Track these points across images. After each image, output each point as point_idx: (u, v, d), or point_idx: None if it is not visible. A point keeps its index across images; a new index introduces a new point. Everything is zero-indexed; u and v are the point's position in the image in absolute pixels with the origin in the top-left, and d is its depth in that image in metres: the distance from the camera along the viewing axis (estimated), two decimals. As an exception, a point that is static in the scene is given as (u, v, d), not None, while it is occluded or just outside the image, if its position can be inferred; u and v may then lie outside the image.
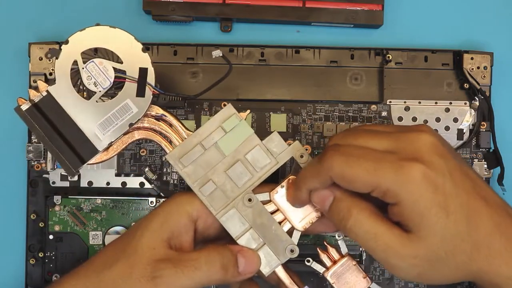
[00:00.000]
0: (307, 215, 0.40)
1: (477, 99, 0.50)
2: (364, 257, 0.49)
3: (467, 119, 0.50)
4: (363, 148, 0.37)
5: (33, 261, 0.49)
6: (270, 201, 0.41)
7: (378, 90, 0.51)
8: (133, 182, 0.49)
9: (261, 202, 0.40)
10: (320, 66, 0.51)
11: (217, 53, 0.42)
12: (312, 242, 0.50)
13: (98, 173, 0.49)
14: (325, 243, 0.42)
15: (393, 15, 0.52)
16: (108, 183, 0.49)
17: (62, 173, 0.49)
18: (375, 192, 0.36)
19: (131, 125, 0.39)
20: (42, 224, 0.49)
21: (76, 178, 0.49)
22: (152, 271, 0.37)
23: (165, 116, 0.41)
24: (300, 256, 0.48)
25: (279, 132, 0.50)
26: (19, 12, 0.52)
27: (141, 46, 0.40)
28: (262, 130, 0.50)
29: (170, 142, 0.41)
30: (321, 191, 0.38)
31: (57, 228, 0.49)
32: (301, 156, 0.40)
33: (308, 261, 0.42)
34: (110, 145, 0.40)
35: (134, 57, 0.39)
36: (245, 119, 0.40)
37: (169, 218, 0.39)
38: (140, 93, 0.39)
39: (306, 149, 0.40)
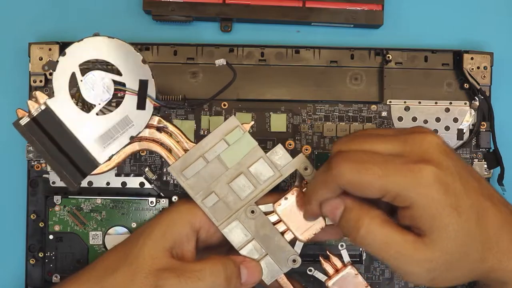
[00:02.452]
0: (310, 226, 0.40)
1: (477, 99, 0.50)
2: (364, 257, 0.49)
3: (467, 119, 0.50)
4: (370, 152, 0.36)
5: (33, 261, 0.49)
6: (273, 211, 0.40)
7: (378, 90, 0.51)
8: (133, 182, 0.49)
9: (264, 213, 0.40)
10: (320, 66, 0.51)
11: (221, 61, 0.42)
12: (312, 242, 0.50)
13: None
14: (327, 252, 0.42)
15: (393, 15, 0.52)
16: (108, 183, 0.49)
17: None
18: (386, 197, 0.36)
19: (131, 138, 0.38)
20: (42, 224, 0.49)
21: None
22: (155, 280, 0.37)
23: (166, 127, 0.40)
24: (300, 256, 0.49)
25: (279, 132, 0.50)
26: (19, 12, 0.52)
27: (141, 57, 0.39)
28: (262, 130, 0.50)
29: (171, 152, 0.40)
30: (331, 202, 0.38)
31: (57, 228, 0.49)
32: (306, 169, 0.40)
33: (310, 270, 0.42)
34: (111, 157, 0.40)
35: (134, 68, 0.38)
36: (248, 131, 0.40)
37: (171, 228, 0.38)
38: (141, 106, 0.38)
39: (308, 154, 0.40)
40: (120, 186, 0.49)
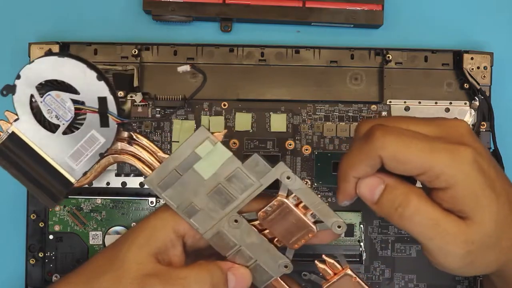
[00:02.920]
0: (300, 234, 0.38)
1: (477, 99, 0.50)
2: (364, 257, 0.49)
3: (467, 119, 0.50)
4: (413, 130, 0.36)
5: (33, 261, 0.49)
6: (257, 219, 0.39)
7: (378, 90, 0.51)
8: (133, 182, 0.49)
9: (249, 221, 0.39)
10: (320, 66, 0.51)
11: (184, 68, 0.41)
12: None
13: (98, 173, 0.49)
14: (323, 256, 0.40)
15: (393, 15, 0.52)
16: (108, 183, 0.49)
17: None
18: (425, 176, 0.35)
19: (101, 155, 0.38)
20: (42, 224, 0.49)
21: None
22: (140, 286, 0.36)
23: (136, 140, 0.39)
24: (300, 256, 0.49)
25: (279, 132, 0.50)
26: (19, 12, 0.52)
27: (95, 74, 0.37)
28: (262, 130, 0.50)
29: (146, 163, 0.39)
30: (369, 180, 0.37)
31: (57, 228, 0.49)
32: (288, 178, 0.37)
33: (305, 275, 0.41)
34: (85, 173, 0.39)
35: (90, 86, 0.37)
36: (220, 141, 0.37)
37: (154, 234, 0.38)
38: (104, 123, 0.37)
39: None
40: (120, 186, 0.49)
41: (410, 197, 0.36)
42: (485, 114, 0.50)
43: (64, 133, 0.38)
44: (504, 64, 0.52)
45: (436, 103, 0.50)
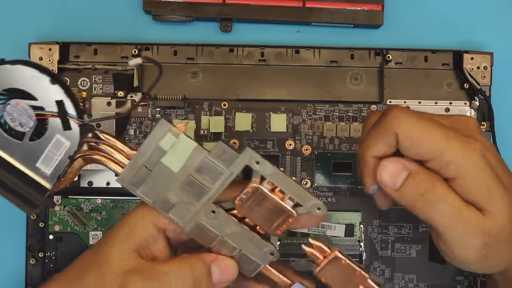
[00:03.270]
0: (280, 220, 0.37)
1: (477, 99, 0.50)
2: (364, 257, 0.49)
3: (467, 119, 0.50)
4: (430, 115, 0.36)
5: (33, 261, 0.49)
6: (235, 208, 0.38)
7: (378, 90, 0.51)
8: (133, 182, 0.49)
9: (227, 210, 0.38)
10: (320, 66, 0.51)
11: (135, 61, 0.40)
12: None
13: (98, 173, 0.49)
14: (310, 240, 0.39)
15: (393, 15, 0.52)
16: (108, 183, 0.49)
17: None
18: (434, 162, 0.35)
19: (70, 158, 0.37)
20: (42, 224, 0.49)
21: (76, 178, 0.49)
22: (122, 282, 0.36)
23: (103, 139, 0.39)
24: (300, 256, 0.49)
25: (279, 132, 0.50)
26: (19, 12, 0.52)
27: (48, 78, 0.36)
28: (262, 130, 0.50)
29: (116, 162, 0.39)
30: (392, 165, 0.36)
31: (57, 228, 0.49)
32: (257, 163, 0.36)
33: (293, 261, 0.40)
34: (59, 178, 0.38)
35: (46, 90, 0.36)
36: (184, 132, 0.36)
37: (135, 229, 0.38)
38: (66, 126, 0.37)
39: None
40: (120, 186, 0.49)
41: (436, 184, 0.35)
42: (485, 114, 0.50)
43: (31, 139, 0.37)
44: (504, 64, 0.52)
45: (436, 103, 0.50)
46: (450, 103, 0.50)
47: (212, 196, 0.37)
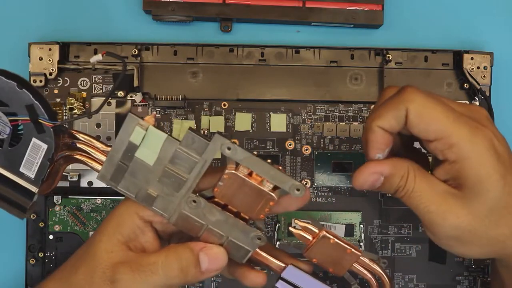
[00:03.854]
0: (261, 204, 0.36)
1: (477, 99, 0.50)
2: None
3: (467, 119, 0.50)
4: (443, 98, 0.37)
5: (33, 261, 0.49)
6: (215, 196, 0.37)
7: (378, 90, 0.51)
8: (133, 182, 0.49)
9: (208, 199, 0.37)
10: (320, 66, 0.51)
11: (96, 58, 0.40)
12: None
13: (98, 173, 0.49)
14: (295, 221, 0.38)
15: (393, 15, 0.52)
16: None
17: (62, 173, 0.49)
18: (440, 143, 0.36)
19: (50, 160, 0.37)
20: (42, 224, 0.49)
21: (76, 178, 0.49)
22: (111, 275, 0.36)
23: (79, 138, 0.39)
24: (300, 256, 0.48)
25: (279, 132, 0.50)
26: (19, 12, 0.52)
27: (14, 84, 0.36)
28: (262, 130, 0.50)
29: (95, 160, 0.39)
30: (367, 179, 0.37)
31: (57, 228, 0.49)
32: (229, 149, 0.35)
33: (280, 245, 0.39)
34: (46, 178, 0.39)
35: (15, 96, 0.36)
36: (153, 125, 0.36)
37: (122, 222, 0.38)
38: (39, 130, 0.37)
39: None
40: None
41: (409, 178, 0.37)
42: (485, 114, 0.50)
43: (11, 145, 0.37)
44: (504, 64, 0.52)
45: (436, 103, 0.50)
46: (450, 103, 0.50)
47: (190, 186, 0.37)
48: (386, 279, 0.39)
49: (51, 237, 0.49)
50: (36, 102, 0.36)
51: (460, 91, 0.51)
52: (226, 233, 0.37)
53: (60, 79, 0.50)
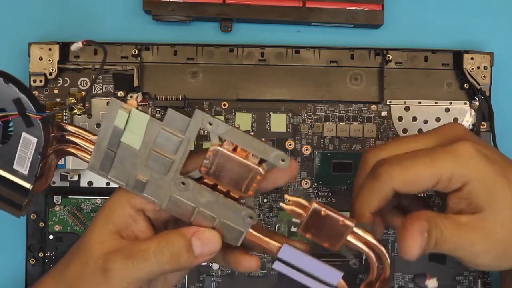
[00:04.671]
0: (249, 179, 0.36)
1: (477, 99, 0.50)
2: (364, 257, 0.49)
3: (467, 119, 0.50)
4: (412, 151, 0.37)
5: (33, 261, 0.49)
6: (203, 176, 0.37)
7: (378, 90, 0.51)
8: (133, 182, 0.49)
9: (196, 180, 0.37)
10: (320, 66, 0.51)
11: (76, 45, 0.41)
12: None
13: (98, 173, 0.49)
14: (286, 196, 0.37)
15: (393, 15, 0.52)
16: (108, 183, 0.49)
17: (62, 173, 0.49)
18: (439, 184, 0.36)
19: (41, 154, 0.37)
20: (42, 224, 0.49)
21: (76, 178, 0.49)
22: (103, 264, 0.36)
23: (68, 130, 0.39)
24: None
25: (279, 132, 0.50)
26: (19, 12, 0.52)
27: (1, 79, 0.36)
28: (262, 130, 0.50)
29: (85, 151, 0.39)
30: (416, 227, 0.35)
31: (57, 228, 0.49)
32: (210, 124, 0.35)
33: (274, 221, 0.38)
34: (39, 175, 0.38)
35: (1, 91, 0.36)
36: (136, 107, 0.36)
37: (113, 212, 0.38)
38: (28, 124, 0.37)
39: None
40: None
41: (440, 226, 0.36)
42: (485, 114, 0.50)
43: (2, 142, 0.37)
44: (504, 64, 0.52)
45: (436, 103, 0.50)
46: (450, 103, 0.50)
47: (177, 167, 0.36)
48: (383, 251, 0.38)
49: (51, 237, 0.49)
50: (22, 95, 0.36)
51: (460, 91, 0.51)
52: (218, 214, 0.37)
53: (60, 79, 0.50)
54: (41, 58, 0.49)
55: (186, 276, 0.50)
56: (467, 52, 0.50)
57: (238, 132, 0.35)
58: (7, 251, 0.51)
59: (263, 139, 0.35)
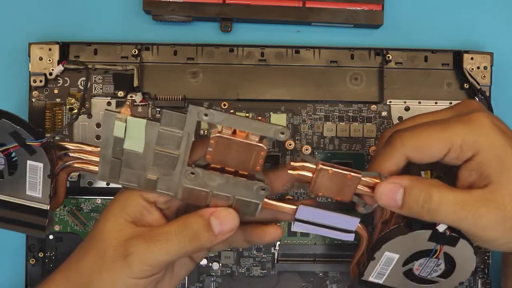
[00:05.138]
0: (254, 157, 0.37)
1: (477, 99, 0.50)
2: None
3: (467, 119, 0.50)
4: (427, 121, 0.38)
5: (33, 261, 0.49)
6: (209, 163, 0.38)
7: (378, 90, 0.51)
8: (133, 182, 0.49)
9: (205, 166, 0.38)
10: (320, 66, 0.51)
11: (58, 69, 0.43)
12: (312, 243, 0.50)
13: (98, 173, 0.49)
14: (291, 163, 0.39)
15: (393, 15, 0.52)
16: (108, 183, 0.49)
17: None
18: (451, 152, 0.36)
19: (50, 176, 0.38)
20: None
21: (76, 178, 0.49)
22: (124, 250, 0.37)
23: (70, 148, 0.39)
24: (300, 256, 0.49)
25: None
26: (19, 12, 0.52)
27: None
28: (262, 130, 0.50)
29: (91, 164, 0.39)
30: (386, 188, 0.37)
31: (57, 228, 0.49)
32: (206, 115, 0.36)
33: (298, 155, 0.40)
34: (53, 194, 0.39)
35: None
36: (130, 114, 0.36)
37: (127, 203, 0.39)
38: (31, 151, 0.37)
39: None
40: (120, 186, 0.49)
41: (431, 190, 0.36)
42: (485, 114, 0.50)
43: (10, 174, 0.38)
44: (504, 64, 0.52)
45: (436, 103, 0.50)
46: (450, 103, 0.50)
47: (184, 160, 0.37)
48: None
49: (51, 237, 0.49)
50: (18, 127, 0.37)
51: (460, 91, 0.51)
52: (231, 193, 0.38)
53: (60, 79, 0.50)
54: (41, 58, 0.49)
55: (186, 276, 0.50)
56: (467, 52, 0.50)
57: (235, 117, 0.36)
58: (7, 251, 0.51)
59: (259, 118, 0.36)
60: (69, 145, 0.39)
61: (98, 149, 0.38)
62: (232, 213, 0.38)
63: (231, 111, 0.36)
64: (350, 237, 0.40)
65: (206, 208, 0.39)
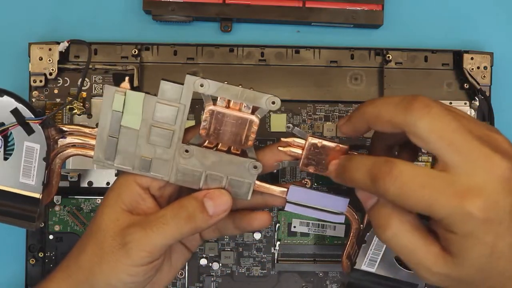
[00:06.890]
0: (246, 130, 0.38)
1: (477, 99, 0.50)
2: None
3: (467, 119, 0.50)
4: None
5: (33, 261, 0.49)
6: (204, 140, 0.39)
7: (378, 90, 0.51)
8: (133, 182, 0.49)
9: (199, 145, 0.38)
10: (320, 66, 0.51)
11: (63, 45, 0.43)
12: (312, 242, 0.50)
13: (98, 173, 0.49)
14: (282, 139, 0.40)
15: (393, 15, 0.52)
16: (108, 183, 0.49)
17: (62, 173, 0.49)
18: (396, 127, 0.34)
19: (45, 159, 0.38)
20: (42, 224, 0.49)
21: (76, 178, 0.49)
22: (122, 238, 0.37)
23: (67, 130, 0.39)
24: (300, 256, 0.49)
25: (279, 132, 0.50)
26: (19, 12, 0.52)
27: None
28: (262, 130, 0.50)
29: (87, 147, 0.39)
30: (366, 192, 0.37)
31: (57, 228, 0.49)
32: (202, 85, 0.36)
33: (288, 127, 0.40)
34: (47, 182, 0.39)
35: None
36: (129, 89, 0.37)
37: (122, 192, 0.39)
38: (29, 131, 0.37)
39: (203, 77, 0.37)
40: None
41: (393, 220, 0.36)
42: (485, 114, 0.50)
43: (5, 158, 0.38)
44: (504, 64, 0.52)
45: (436, 103, 0.50)
46: (450, 103, 0.50)
47: (179, 136, 0.38)
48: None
49: (51, 237, 0.49)
50: (19, 104, 0.37)
51: (460, 91, 0.51)
52: (224, 172, 0.39)
53: (60, 79, 0.50)
54: (41, 58, 0.49)
55: (186, 276, 0.50)
56: (467, 52, 0.50)
57: (229, 86, 0.37)
58: (7, 251, 0.51)
59: (251, 88, 0.37)
60: (66, 127, 0.39)
61: (95, 129, 0.38)
62: (225, 193, 0.39)
63: (225, 81, 0.37)
64: (341, 219, 0.41)
65: (199, 191, 0.39)
